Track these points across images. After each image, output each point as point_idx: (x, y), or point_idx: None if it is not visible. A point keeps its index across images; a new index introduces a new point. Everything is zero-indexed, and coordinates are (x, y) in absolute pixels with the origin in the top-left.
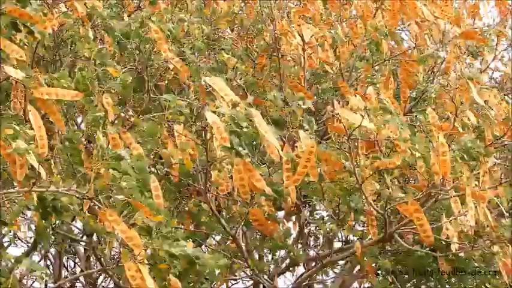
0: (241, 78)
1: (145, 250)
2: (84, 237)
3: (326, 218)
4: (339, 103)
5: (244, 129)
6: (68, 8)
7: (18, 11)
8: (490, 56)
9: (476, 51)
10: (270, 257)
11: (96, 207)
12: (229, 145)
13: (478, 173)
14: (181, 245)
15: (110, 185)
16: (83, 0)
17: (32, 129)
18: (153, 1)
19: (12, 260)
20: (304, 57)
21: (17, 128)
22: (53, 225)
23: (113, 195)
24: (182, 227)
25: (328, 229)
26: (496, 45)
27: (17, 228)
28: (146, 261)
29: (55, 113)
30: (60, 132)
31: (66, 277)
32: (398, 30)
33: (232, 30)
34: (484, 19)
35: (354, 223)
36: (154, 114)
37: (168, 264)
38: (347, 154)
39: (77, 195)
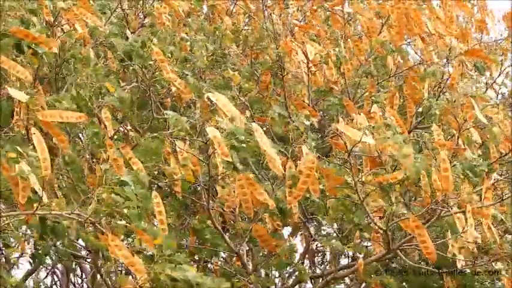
0: (245, 95)
1: (147, 275)
2: (88, 254)
3: (331, 235)
4: (344, 120)
5: (243, 145)
6: (70, 27)
7: (23, 32)
8: (496, 71)
9: (483, 66)
10: (276, 274)
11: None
12: (230, 159)
13: (481, 190)
14: (184, 269)
15: (113, 210)
16: (84, 20)
17: (35, 150)
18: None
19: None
20: (308, 75)
21: (20, 150)
22: (54, 243)
23: (114, 220)
24: (186, 245)
25: (333, 246)
26: (502, 60)
27: (23, 248)
28: (148, 285)
29: (59, 134)
30: (62, 150)
31: None
32: (404, 45)
33: (238, 46)
34: (492, 33)
35: (359, 240)
36: (158, 131)
37: None
38: (348, 170)
39: (79, 219)
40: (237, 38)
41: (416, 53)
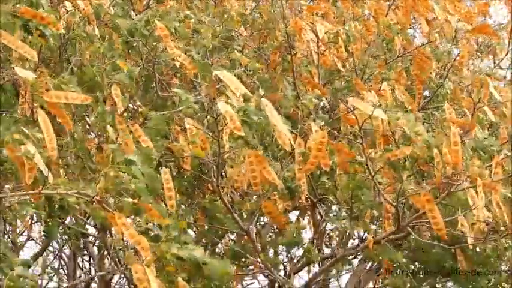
0: (253, 75)
1: (153, 254)
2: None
3: (341, 216)
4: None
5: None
6: (74, 8)
7: (32, 12)
8: (501, 53)
9: (487, 50)
10: (285, 255)
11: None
12: (243, 133)
13: (490, 165)
14: (190, 249)
15: (119, 187)
16: None
17: (40, 131)
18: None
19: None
20: (318, 54)
21: (26, 131)
22: (64, 222)
23: (121, 198)
24: (194, 226)
25: (342, 226)
26: (509, 42)
27: (29, 228)
28: (154, 264)
29: (64, 116)
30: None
31: (81, 277)
32: (410, 28)
33: (245, 29)
34: (494, 17)
35: (369, 220)
36: (162, 110)
37: (176, 268)
38: (359, 145)
39: (85, 197)
40: (245, 21)
41: (423, 36)
